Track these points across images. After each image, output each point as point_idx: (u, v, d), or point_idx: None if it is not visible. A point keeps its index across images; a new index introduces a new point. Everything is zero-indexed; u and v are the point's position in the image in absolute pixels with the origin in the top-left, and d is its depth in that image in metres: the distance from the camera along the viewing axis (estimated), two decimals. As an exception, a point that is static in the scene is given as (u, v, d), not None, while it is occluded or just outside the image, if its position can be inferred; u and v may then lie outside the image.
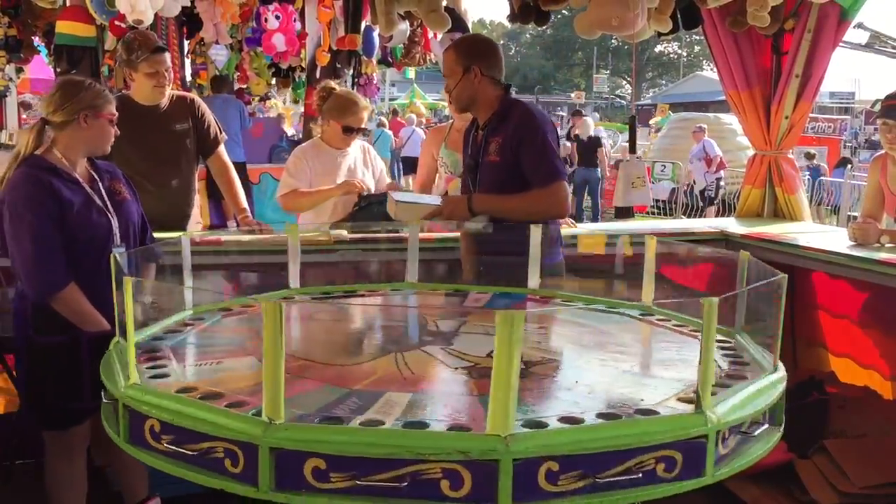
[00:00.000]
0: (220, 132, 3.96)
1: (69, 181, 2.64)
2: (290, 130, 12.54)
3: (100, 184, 2.75)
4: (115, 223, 2.72)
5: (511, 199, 3.04)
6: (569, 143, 14.40)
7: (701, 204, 13.37)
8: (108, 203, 2.74)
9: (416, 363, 2.04)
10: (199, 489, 1.70)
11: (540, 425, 1.56)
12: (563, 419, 1.60)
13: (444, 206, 3.13)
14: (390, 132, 16.94)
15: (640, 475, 1.53)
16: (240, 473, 1.54)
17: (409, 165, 15.17)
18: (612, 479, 1.51)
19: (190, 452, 1.60)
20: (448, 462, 1.45)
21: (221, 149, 3.95)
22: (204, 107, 3.92)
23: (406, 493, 1.46)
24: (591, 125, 13.98)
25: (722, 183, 13.60)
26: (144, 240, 2.89)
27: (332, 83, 4.10)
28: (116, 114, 2.74)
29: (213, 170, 3.99)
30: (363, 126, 3.93)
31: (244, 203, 3.92)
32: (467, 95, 3.12)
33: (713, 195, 13.50)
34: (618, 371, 2.12)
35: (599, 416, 1.63)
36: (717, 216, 12.72)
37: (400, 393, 1.78)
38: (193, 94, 4.16)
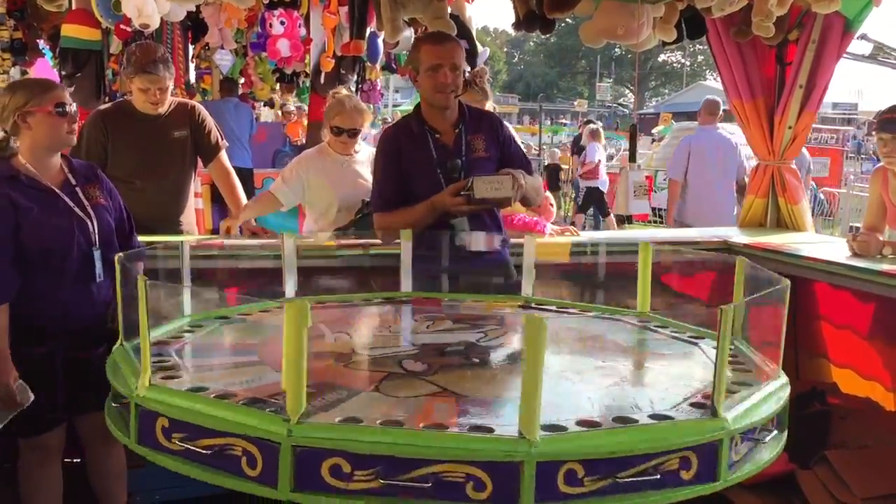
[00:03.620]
0: (221, 139, 3.97)
1: (30, 187, 2.63)
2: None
3: (76, 187, 2.74)
4: (93, 225, 2.71)
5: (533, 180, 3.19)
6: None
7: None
8: (86, 205, 2.72)
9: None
10: (187, 494, 1.71)
11: (559, 429, 1.58)
12: (581, 423, 1.62)
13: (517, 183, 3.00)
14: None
15: (658, 477, 1.57)
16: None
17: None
18: (633, 480, 1.55)
19: (204, 451, 1.57)
20: (470, 465, 1.48)
21: (222, 155, 3.96)
22: (205, 114, 3.92)
23: (429, 494, 1.48)
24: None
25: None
26: (129, 244, 2.87)
27: (341, 90, 4.12)
28: (63, 100, 2.66)
29: (214, 176, 4.02)
30: (356, 128, 3.87)
31: (242, 209, 3.93)
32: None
33: (580, 201, 13.27)
34: (624, 377, 2.16)
35: (616, 420, 1.66)
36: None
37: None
38: (194, 102, 4.17)
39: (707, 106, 7.56)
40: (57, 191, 2.68)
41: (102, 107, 3.88)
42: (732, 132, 7.51)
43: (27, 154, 2.66)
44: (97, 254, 2.71)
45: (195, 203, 4.23)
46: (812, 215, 13.04)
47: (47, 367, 2.64)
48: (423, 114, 3.18)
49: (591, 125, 14.19)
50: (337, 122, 3.84)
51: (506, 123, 3.36)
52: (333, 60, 6.61)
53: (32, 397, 2.55)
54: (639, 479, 1.54)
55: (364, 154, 4.01)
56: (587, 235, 4.03)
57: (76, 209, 2.69)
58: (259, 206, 4.08)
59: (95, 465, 2.94)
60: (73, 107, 2.69)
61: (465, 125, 3.16)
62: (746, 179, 6.73)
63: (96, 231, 2.71)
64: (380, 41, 7.13)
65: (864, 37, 13.29)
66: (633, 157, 6.37)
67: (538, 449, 1.47)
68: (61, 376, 2.67)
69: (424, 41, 3.20)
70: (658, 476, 1.55)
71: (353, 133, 3.88)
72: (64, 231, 2.64)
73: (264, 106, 13.40)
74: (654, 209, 13.29)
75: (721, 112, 7.47)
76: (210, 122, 3.92)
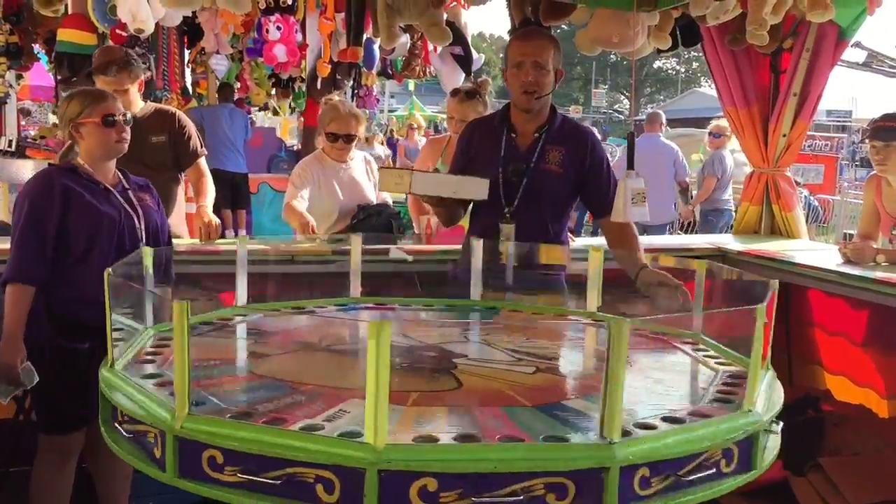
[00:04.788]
0: (201, 147, 3.94)
1: (85, 179, 2.75)
2: (289, 141, 12.55)
3: (128, 190, 2.85)
4: (139, 222, 2.81)
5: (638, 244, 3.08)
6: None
7: None
8: (136, 204, 2.83)
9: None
10: (183, 500, 1.69)
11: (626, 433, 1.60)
12: (639, 426, 1.64)
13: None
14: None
15: (714, 470, 1.66)
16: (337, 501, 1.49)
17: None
18: (692, 477, 1.61)
19: (272, 481, 1.53)
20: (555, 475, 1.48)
21: (200, 161, 3.92)
22: (185, 121, 3.90)
23: None
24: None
25: None
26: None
27: (334, 96, 4.12)
28: (111, 111, 2.77)
29: (189, 178, 3.96)
30: (351, 133, 3.85)
31: (205, 199, 3.82)
32: (547, 95, 2.98)
33: None
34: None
35: (665, 419, 1.69)
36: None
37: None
38: (175, 109, 4.14)
39: (650, 118, 9.20)
40: (110, 187, 2.81)
41: None
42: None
43: (85, 157, 2.80)
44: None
45: (187, 207, 4.21)
46: (807, 223, 13.27)
47: (88, 364, 2.64)
48: (511, 111, 3.10)
49: None
50: (332, 128, 3.83)
51: (602, 149, 3.16)
52: (330, 66, 6.63)
53: (37, 379, 2.62)
54: (696, 475, 1.61)
55: (358, 160, 4.00)
56: (581, 242, 4.03)
57: (125, 205, 2.81)
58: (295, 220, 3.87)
59: (104, 467, 2.93)
60: (123, 116, 2.81)
61: (548, 133, 3.02)
62: (688, 180, 8.98)
63: (143, 228, 2.83)
64: (376, 47, 7.15)
65: (858, 45, 13.33)
66: (631, 164, 6.43)
67: (623, 453, 1.50)
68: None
69: (512, 37, 3.10)
70: (713, 469, 1.65)
71: (349, 139, 3.86)
72: (111, 221, 2.74)
73: (260, 111, 13.39)
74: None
75: (661, 122, 9.05)
76: (190, 129, 3.89)
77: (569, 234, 4.13)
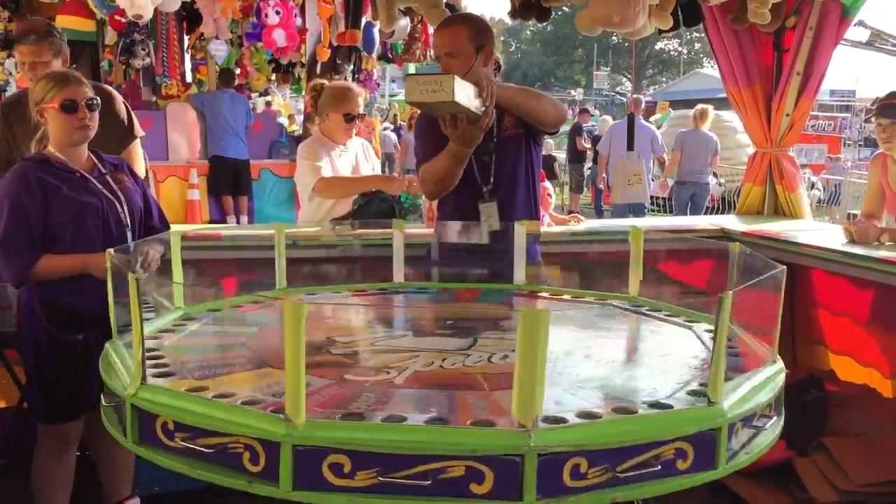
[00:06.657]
0: (133, 130, 3.55)
1: (60, 170, 2.69)
2: (286, 123, 12.47)
3: (105, 175, 2.79)
4: (121, 206, 2.76)
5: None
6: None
7: None
8: (115, 188, 2.77)
9: (425, 359, 2.01)
10: (186, 486, 1.70)
11: (558, 420, 1.55)
12: (580, 414, 1.59)
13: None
14: None
15: (659, 467, 1.54)
16: (261, 472, 1.52)
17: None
18: (631, 473, 1.52)
19: (206, 450, 1.57)
20: (471, 459, 1.45)
21: (132, 146, 3.53)
22: (118, 101, 3.53)
23: (430, 491, 1.45)
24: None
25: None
26: (146, 225, 2.89)
27: (322, 80, 4.08)
28: (71, 96, 2.65)
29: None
30: (361, 112, 3.85)
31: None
32: (477, 76, 2.82)
33: None
34: (619, 364, 2.14)
35: (615, 410, 1.63)
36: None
37: (412, 389, 1.77)
38: (111, 89, 3.71)
39: (632, 101, 10.53)
40: (86, 174, 2.74)
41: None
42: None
43: (54, 144, 2.72)
44: (129, 234, 2.75)
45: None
46: (828, 205, 13.43)
47: (83, 355, 2.64)
48: None
49: None
50: (348, 108, 3.78)
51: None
52: (329, 50, 6.60)
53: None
54: (639, 471, 1.52)
55: (356, 143, 3.98)
56: (588, 224, 4.03)
57: (105, 191, 2.75)
58: (340, 188, 3.80)
59: (106, 454, 2.94)
60: (87, 101, 2.68)
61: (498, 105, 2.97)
62: (665, 157, 10.39)
63: (126, 212, 2.77)
64: (376, 31, 7.12)
65: (861, 23, 13.21)
66: (630, 146, 6.43)
67: (537, 441, 1.45)
68: (95, 364, 2.68)
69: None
70: (658, 466, 1.54)
71: (360, 117, 3.87)
72: (94, 210, 2.69)
73: (259, 97, 13.35)
74: (652, 198, 13.24)
75: (643, 106, 10.43)
76: (122, 109, 3.50)
77: (577, 214, 4.14)
